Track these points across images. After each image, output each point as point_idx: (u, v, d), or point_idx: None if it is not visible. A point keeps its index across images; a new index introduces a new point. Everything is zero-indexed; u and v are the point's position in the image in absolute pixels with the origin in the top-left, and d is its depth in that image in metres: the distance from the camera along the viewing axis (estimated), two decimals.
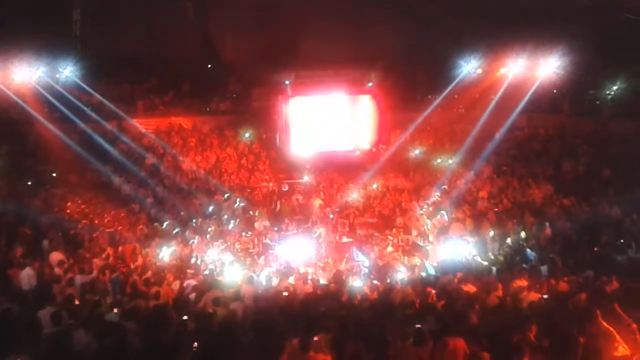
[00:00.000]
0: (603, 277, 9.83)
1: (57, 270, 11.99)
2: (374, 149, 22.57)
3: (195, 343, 7.53)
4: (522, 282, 10.25)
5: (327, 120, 21.87)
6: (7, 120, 18.57)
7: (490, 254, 13.90)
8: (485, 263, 13.22)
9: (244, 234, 16.58)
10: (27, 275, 11.41)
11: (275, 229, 17.02)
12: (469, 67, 22.01)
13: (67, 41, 22.98)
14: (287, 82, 21.52)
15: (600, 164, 17.95)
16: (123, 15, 23.29)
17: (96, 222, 15.86)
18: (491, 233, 14.71)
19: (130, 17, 23.51)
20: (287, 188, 19.97)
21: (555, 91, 21.91)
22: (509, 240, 13.95)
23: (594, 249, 12.64)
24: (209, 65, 26.14)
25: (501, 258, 13.23)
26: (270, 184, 20.41)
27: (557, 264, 11.79)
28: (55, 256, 12.68)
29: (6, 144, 18.27)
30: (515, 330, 7.35)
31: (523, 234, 13.74)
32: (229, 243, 15.58)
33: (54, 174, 18.40)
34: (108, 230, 15.30)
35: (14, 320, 8.44)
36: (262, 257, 15.25)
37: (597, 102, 21.75)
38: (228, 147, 22.27)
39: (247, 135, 22.79)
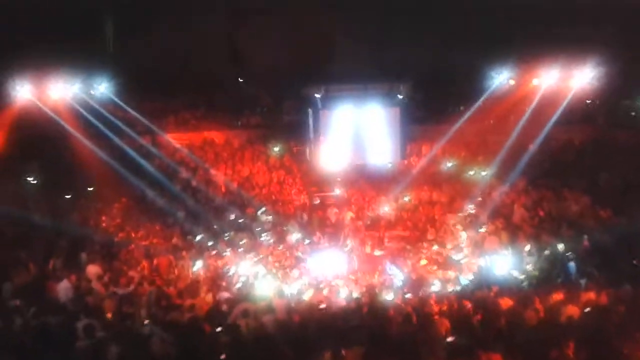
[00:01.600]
0: None
1: (94, 283, 12.20)
2: (405, 162, 22.45)
3: (223, 355, 7.57)
4: (559, 296, 10.04)
5: (358, 133, 21.82)
6: (44, 135, 18.97)
7: (527, 267, 13.64)
8: (522, 277, 13.01)
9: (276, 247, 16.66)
10: (64, 288, 11.63)
11: (307, 242, 17.04)
12: (501, 78, 21.77)
13: (102, 57, 23.50)
14: (317, 96, 21.58)
15: (637, 175, 17.56)
16: (155, 30, 23.72)
17: (132, 235, 16.11)
18: (527, 246, 14.45)
19: (162, 32, 23.92)
20: (318, 201, 19.97)
21: (589, 102, 21.55)
22: (546, 253, 13.68)
23: (632, 261, 12.32)
24: (240, 80, 26.45)
25: (536, 272, 12.98)
26: (302, 197, 20.45)
27: (596, 277, 11.53)
28: (93, 269, 12.90)
29: (41, 160, 18.68)
30: (552, 346, 7.19)
31: (561, 247, 13.45)
32: (261, 256, 15.63)
33: (90, 189, 18.77)
34: (143, 243, 15.51)
35: (51, 332, 8.57)
36: (295, 270, 15.27)
37: (633, 113, 21.33)
38: (259, 161, 22.43)
39: (277, 148, 22.94)
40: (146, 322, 9.61)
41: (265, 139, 23.39)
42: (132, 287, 12.07)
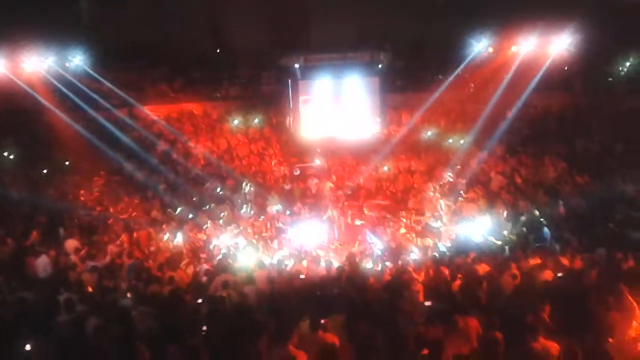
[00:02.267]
0: (618, 254, 9.74)
1: (73, 257, 12.14)
2: (385, 131, 22.45)
3: (205, 327, 7.63)
4: (535, 261, 10.21)
5: (337, 102, 21.75)
6: (19, 110, 18.64)
7: (504, 233, 13.83)
8: (499, 243, 13.19)
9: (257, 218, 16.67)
10: (42, 263, 11.57)
11: (288, 212, 17.07)
12: (480, 46, 21.64)
13: (77, 29, 22.98)
14: (296, 66, 21.38)
15: (614, 140, 17.76)
16: (131, 1, 23.26)
17: (110, 209, 16.01)
18: (505, 212, 14.62)
19: (138, 4, 23.46)
20: (298, 172, 19.94)
21: (567, 69, 21.61)
22: (522, 219, 13.85)
23: (608, 226, 12.52)
24: (218, 51, 26.09)
25: (513, 237, 13.17)
26: (282, 168, 20.41)
27: (571, 242, 11.71)
28: (71, 243, 12.82)
29: (17, 134, 18.38)
30: (528, 310, 7.33)
31: (537, 213, 13.62)
32: (241, 228, 15.63)
33: (67, 162, 18.56)
34: (122, 216, 15.43)
35: (30, 308, 8.54)
36: (275, 241, 15.33)
37: (610, 79, 21.46)
38: (238, 133, 22.28)
39: (257, 120, 22.78)
40: (128, 295, 9.62)
41: (244, 110, 23.19)
42: (107, 259, 12.03)
